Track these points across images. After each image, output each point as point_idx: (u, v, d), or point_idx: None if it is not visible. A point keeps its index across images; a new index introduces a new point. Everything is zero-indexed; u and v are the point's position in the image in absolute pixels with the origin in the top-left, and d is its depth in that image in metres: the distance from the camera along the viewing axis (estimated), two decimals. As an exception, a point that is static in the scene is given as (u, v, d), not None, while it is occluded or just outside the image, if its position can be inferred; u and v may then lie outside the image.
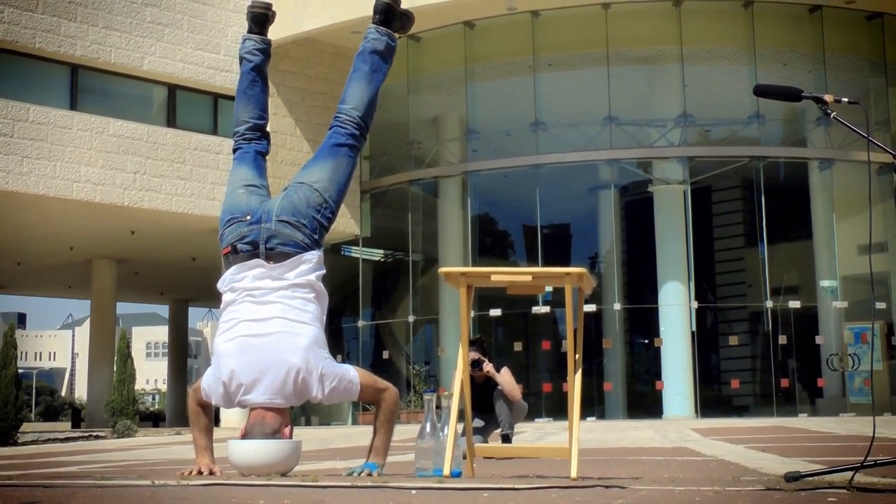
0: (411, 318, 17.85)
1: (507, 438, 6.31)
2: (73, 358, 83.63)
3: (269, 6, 3.83)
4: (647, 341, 17.82)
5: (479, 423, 6.32)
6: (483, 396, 6.25)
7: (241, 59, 3.80)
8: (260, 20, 3.81)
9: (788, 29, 17.25)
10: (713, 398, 18.13)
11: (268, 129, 3.81)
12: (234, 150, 3.73)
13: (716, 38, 17.47)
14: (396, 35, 3.71)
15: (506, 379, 6.27)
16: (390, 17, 3.70)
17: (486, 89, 17.92)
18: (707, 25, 17.27)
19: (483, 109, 17.89)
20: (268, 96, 3.83)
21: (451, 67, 17.80)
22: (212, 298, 26.04)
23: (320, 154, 3.60)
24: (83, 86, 15.71)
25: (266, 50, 3.81)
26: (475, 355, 6.20)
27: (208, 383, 3.33)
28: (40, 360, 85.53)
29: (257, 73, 3.76)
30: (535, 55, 16.96)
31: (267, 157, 3.76)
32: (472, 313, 15.19)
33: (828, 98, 3.08)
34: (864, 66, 17.65)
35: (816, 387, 16.80)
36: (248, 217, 3.43)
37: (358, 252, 18.66)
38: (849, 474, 2.69)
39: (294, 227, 3.39)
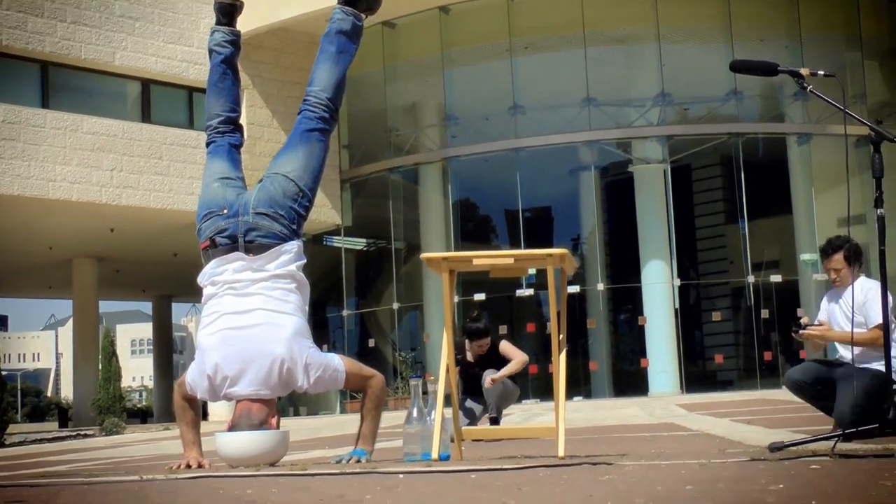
0: (396, 306, 17.86)
1: (495, 421, 6.36)
2: (57, 358, 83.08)
3: (236, -3, 3.79)
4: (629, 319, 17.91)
5: (474, 405, 6.39)
6: (474, 380, 6.35)
7: (211, 51, 3.76)
8: (228, 11, 3.77)
9: (764, 5, 17.29)
10: (698, 374, 18.27)
11: (241, 121, 3.79)
12: (208, 144, 3.70)
13: (692, 16, 17.49)
14: (363, 15, 3.69)
15: (513, 368, 6.36)
16: (355, -4, 3.67)
17: (463, 74, 17.86)
18: (683, 4, 17.28)
19: (461, 95, 17.85)
20: (239, 88, 3.81)
21: (427, 54, 17.73)
22: (195, 293, 25.78)
23: (291, 142, 3.57)
24: (54, 83, 15.50)
25: (235, 41, 3.77)
26: (484, 341, 6.28)
27: (193, 377, 3.32)
28: (24, 361, 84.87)
29: (228, 65, 3.73)
30: (512, 39, 16.92)
31: (242, 150, 3.74)
32: (456, 298, 15.21)
33: (804, 72, 3.10)
34: (840, 40, 17.73)
35: (799, 359, 16.93)
36: (226, 210, 3.41)
37: (340, 241, 18.61)
38: (831, 443, 2.73)
39: (272, 219, 3.38)
